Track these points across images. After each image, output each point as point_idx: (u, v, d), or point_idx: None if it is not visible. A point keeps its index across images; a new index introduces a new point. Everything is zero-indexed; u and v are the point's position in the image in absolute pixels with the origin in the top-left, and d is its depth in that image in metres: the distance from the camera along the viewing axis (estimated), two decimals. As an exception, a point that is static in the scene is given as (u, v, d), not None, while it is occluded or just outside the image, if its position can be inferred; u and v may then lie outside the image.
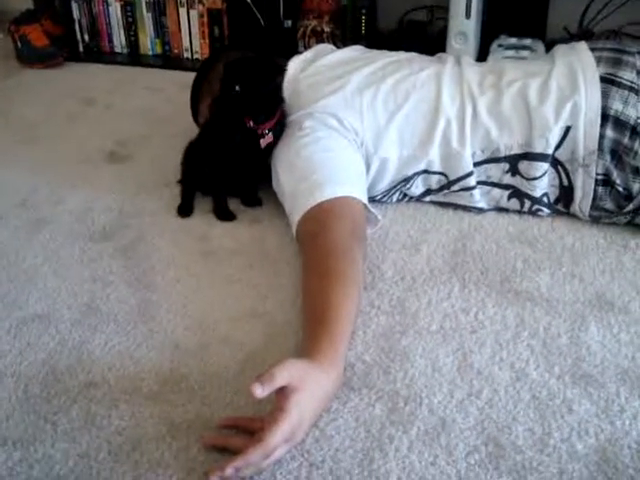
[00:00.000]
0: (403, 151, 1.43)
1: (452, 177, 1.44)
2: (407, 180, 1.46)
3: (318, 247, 1.21)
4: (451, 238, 1.41)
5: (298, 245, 1.31)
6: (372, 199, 1.48)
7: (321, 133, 1.40)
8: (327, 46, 1.69)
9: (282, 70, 1.51)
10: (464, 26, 2.21)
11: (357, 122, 1.42)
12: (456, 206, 1.49)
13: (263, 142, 1.43)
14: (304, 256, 1.26)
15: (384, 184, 1.47)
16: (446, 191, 1.48)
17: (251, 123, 1.41)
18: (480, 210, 1.48)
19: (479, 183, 1.45)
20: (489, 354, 1.11)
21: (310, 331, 1.06)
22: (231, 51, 1.72)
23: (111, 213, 1.54)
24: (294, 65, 1.56)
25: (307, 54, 1.61)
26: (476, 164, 1.42)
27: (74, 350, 1.14)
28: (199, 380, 1.07)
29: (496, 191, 1.46)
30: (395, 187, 1.48)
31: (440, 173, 1.45)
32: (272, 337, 1.16)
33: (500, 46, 2.26)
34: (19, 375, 1.09)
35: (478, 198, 1.46)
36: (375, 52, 1.61)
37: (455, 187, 1.46)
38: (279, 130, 1.45)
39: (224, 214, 1.49)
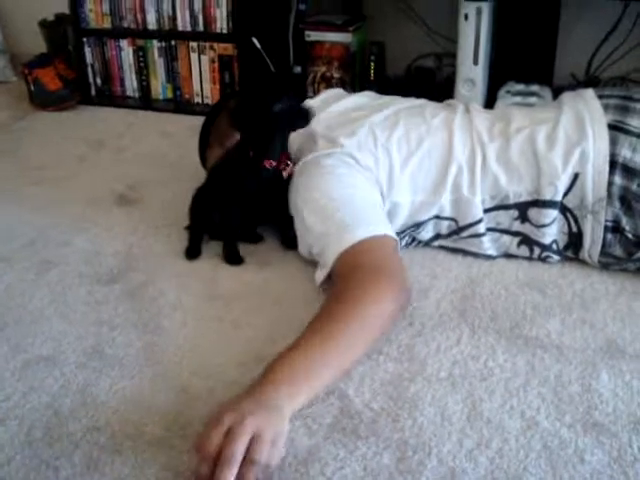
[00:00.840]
0: (416, 197, 1.43)
1: (462, 223, 1.44)
2: (418, 225, 1.46)
3: (349, 290, 1.19)
4: (460, 284, 1.40)
5: (335, 278, 1.29)
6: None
7: (342, 170, 1.40)
8: (339, 91, 1.71)
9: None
10: (472, 73, 2.24)
11: (372, 164, 1.42)
12: (465, 252, 1.49)
13: (285, 173, 1.45)
14: (335, 287, 1.25)
15: (394, 228, 1.46)
16: (455, 237, 1.47)
17: (271, 163, 1.43)
18: (489, 257, 1.47)
19: (489, 230, 1.44)
20: (499, 402, 1.09)
21: (286, 354, 1.06)
22: (238, 97, 1.74)
23: (119, 256, 1.54)
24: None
25: (319, 98, 1.63)
26: (486, 211, 1.42)
27: (78, 393, 1.13)
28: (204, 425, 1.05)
29: (505, 238, 1.45)
30: (405, 232, 1.48)
31: (451, 219, 1.45)
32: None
33: (508, 92, 2.28)
34: (22, 418, 1.07)
35: (487, 245, 1.45)
36: (387, 98, 1.62)
37: (465, 233, 1.45)
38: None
39: (234, 258, 1.49)
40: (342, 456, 0.99)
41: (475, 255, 1.48)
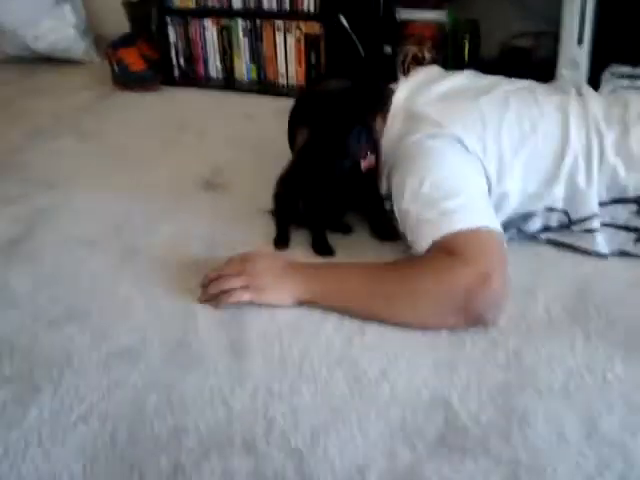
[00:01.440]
0: (527, 186, 1.32)
1: (574, 217, 1.32)
2: (526, 217, 1.35)
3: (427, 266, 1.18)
4: (570, 284, 1.28)
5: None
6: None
7: (447, 153, 1.29)
8: (435, 69, 1.58)
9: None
10: (575, 53, 2.09)
11: (479, 150, 1.30)
12: (574, 248, 1.37)
13: (364, 165, 1.36)
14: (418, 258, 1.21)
15: (501, 218, 1.35)
16: (566, 231, 1.35)
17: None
18: (601, 254, 1.35)
19: (603, 225, 1.32)
20: (620, 419, 0.98)
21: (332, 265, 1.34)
22: (331, 79, 1.65)
23: (204, 243, 1.48)
24: (406, 87, 1.46)
25: (418, 77, 1.50)
26: (601, 204, 1.30)
27: (164, 390, 1.07)
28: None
29: (621, 234, 1.32)
30: (512, 222, 1.36)
31: (562, 211, 1.33)
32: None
33: (613, 75, 2.11)
34: (106, 416, 1.03)
35: (601, 241, 1.33)
36: (491, 78, 1.49)
37: (576, 228, 1.33)
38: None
39: (323, 249, 1.41)
40: (447, 475, 0.90)
41: (585, 252, 1.36)
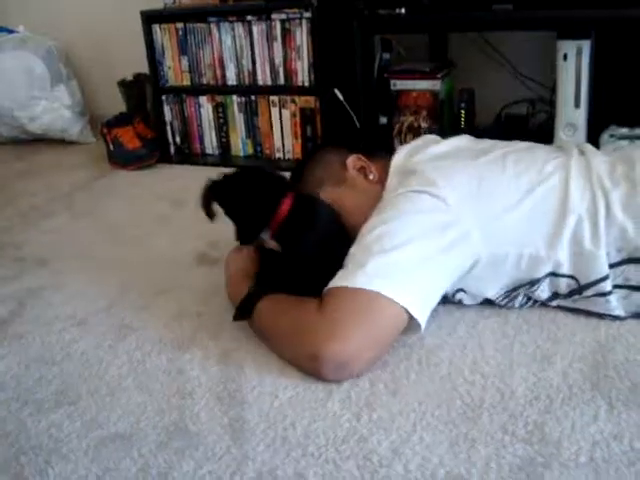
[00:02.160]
0: (524, 250, 1.26)
1: (584, 281, 1.26)
2: (532, 283, 1.29)
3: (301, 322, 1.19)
4: (587, 349, 1.21)
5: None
6: (490, 301, 1.34)
7: (419, 215, 1.23)
8: (435, 136, 1.56)
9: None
10: (573, 116, 2.09)
11: (467, 211, 1.23)
12: (588, 313, 1.31)
13: (267, 246, 1.36)
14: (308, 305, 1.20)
15: (500, 284, 1.30)
16: (577, 296, 1.29)
17: None
18: (617, 317, 1.28)
19: (615, 287, 1.26)
20: (654, 494, 0.90)
21: None
22: (327, 147, 1.63)
23: (201, 318, 1.42)
24: (404, 149, 1.44)
25: (417, 141, 1.48)
26: (612, 265, 1.24)
27: (158, 478, 0.99)
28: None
29: (636, 295, 1.26)
30: (517, 289, 1.31)
31: (569, 276, 1.27)
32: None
33: (612, 136, 2.11)
34: (96, 508, 0.95)
35: (615, 304, 1.27)
36: (489, 142, 1.47)
37: (588, 292, 1.27)
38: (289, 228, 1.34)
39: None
40: None
41: (600, 316, 1.30)
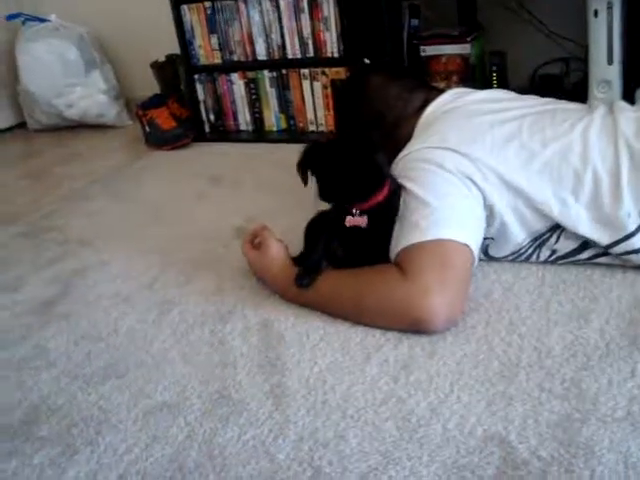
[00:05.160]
0: (539, 205, 1.27)
1: (606, 242, 1.26)
2: (552, 230, 1.30)
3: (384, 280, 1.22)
4: (625, 306, 1.21)
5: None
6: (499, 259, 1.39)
7: (442, 169, 1.28)
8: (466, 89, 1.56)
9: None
10: (607, 73, 2.04)
11: (476, 171, 1.28)
12: (625, 268, 1.30)
13: (349, 221, 1.32)
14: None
15: (520, 237, 1.32)
16: (608, 256, 1.29)
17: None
18: (654, 271, 1.28)
19: None
20: (693, 445, 0.90)
21: None
22: (373, 74, 1.62)
23: (241, 291, 1.45)
24: (442, 98, 1.47)
25: (448, 94, 1.49)
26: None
27: (204, 444, 1.03)
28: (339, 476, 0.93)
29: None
30: (538, 239, 1.32)
31: (587, 240, 1.28)
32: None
33: (648, 91, 2.07)
34: (144, 474, 0.98)
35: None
36: (520, 99, 1.47)
37: (615, 250, 1.26)
38: (381, 212, 1.31)
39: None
40: (510, 516, 0.83)
41: (638, 269, 1.29)
